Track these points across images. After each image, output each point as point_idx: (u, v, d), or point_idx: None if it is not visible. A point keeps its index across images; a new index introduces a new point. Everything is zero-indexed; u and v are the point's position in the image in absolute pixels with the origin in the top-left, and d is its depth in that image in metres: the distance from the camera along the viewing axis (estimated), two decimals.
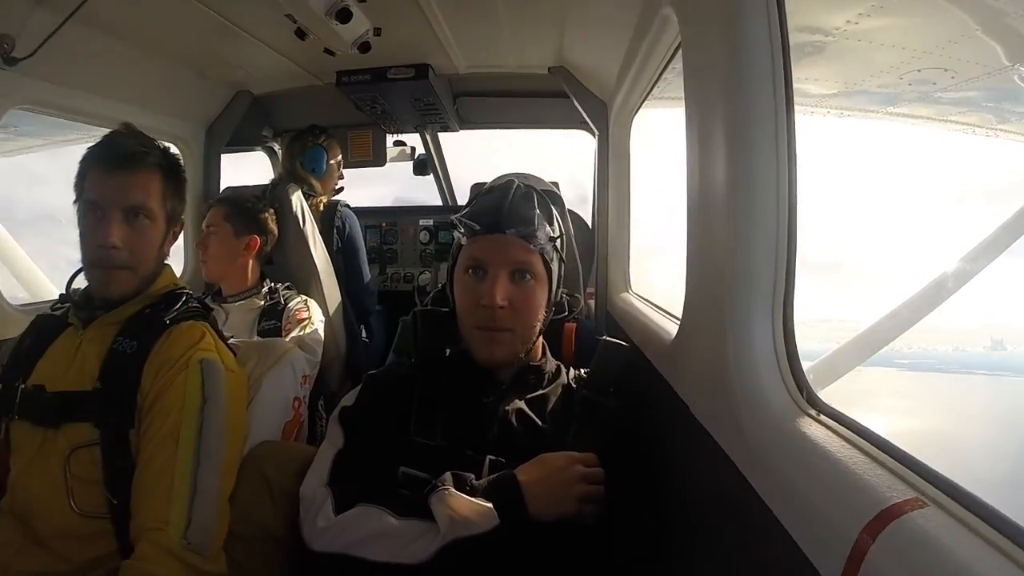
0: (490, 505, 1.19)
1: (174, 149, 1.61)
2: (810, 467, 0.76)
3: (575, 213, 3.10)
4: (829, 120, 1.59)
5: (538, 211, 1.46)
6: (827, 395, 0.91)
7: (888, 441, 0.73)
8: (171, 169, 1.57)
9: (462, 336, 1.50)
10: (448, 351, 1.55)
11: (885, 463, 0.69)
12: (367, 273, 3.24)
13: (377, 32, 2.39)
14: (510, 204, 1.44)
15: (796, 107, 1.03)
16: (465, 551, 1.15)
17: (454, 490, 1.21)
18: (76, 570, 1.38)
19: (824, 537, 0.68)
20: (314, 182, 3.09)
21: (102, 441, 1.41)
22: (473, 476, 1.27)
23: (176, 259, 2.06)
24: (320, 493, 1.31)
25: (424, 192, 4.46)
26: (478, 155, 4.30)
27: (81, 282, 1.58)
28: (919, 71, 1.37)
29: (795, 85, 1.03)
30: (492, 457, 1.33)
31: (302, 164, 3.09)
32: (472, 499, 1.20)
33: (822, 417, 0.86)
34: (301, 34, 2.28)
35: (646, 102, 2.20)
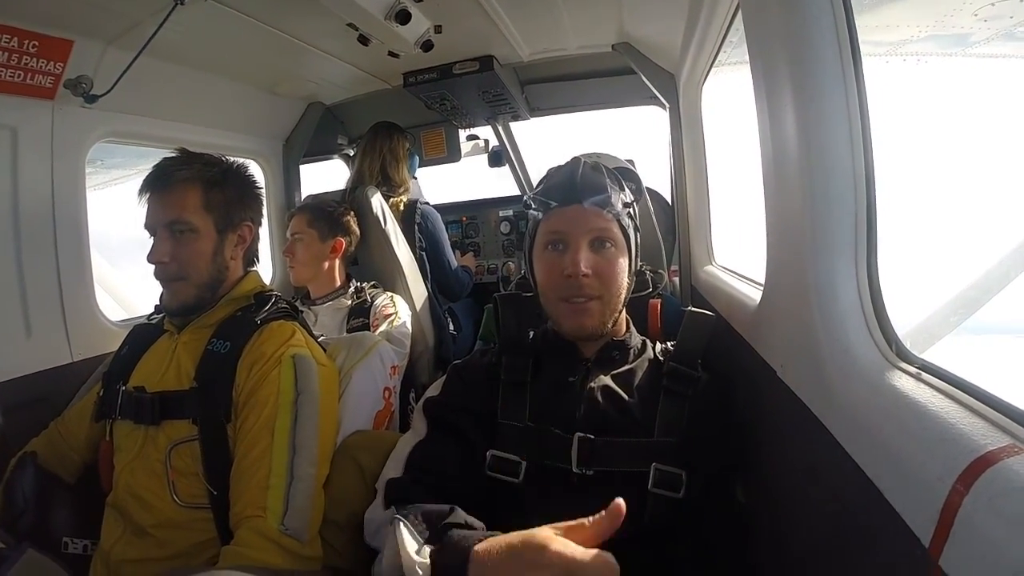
0: (428, 563, 1.02)
1: (254, 165, 1.69)
2: (901, 421, 0.73)
3: (655, 191, 3.06)
4: (909, 65, 1.50)
5: (608, 180, 1.49)
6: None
7: (982, 388, 0.70)
8: (212, 179, 1.64)
9: (547, 312, 1.52)
10: (531, 333, 1.57)
11: (979, 411, 0.67)
12: (453, 264, 3.29)
13: (438, 29, 2.42)
14: (581, 176, 1.47)
15: (874, 56, 0.99)
16: None
17: (410, 532, 1.08)
18: (178, 556, 1.49)
19: (916, 492, 0.66)
20: (405, 181, 3.18)
21: (200, 436, 1.51)
22: (477, 530, 1.10)
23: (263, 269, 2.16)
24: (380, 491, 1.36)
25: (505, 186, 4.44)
26: (553, 142, 4.28)
27: None
28: (992, 4, 1.27)
29: (872, 35, 0.99)
30: (581, 435, 1.35)
31: (409, 168, 3.21)
32: (421, 547, 1.05)
33: (912, 369, 0.83)
34: (364, 40, 2.34)
35: (714, 68, 2.15)
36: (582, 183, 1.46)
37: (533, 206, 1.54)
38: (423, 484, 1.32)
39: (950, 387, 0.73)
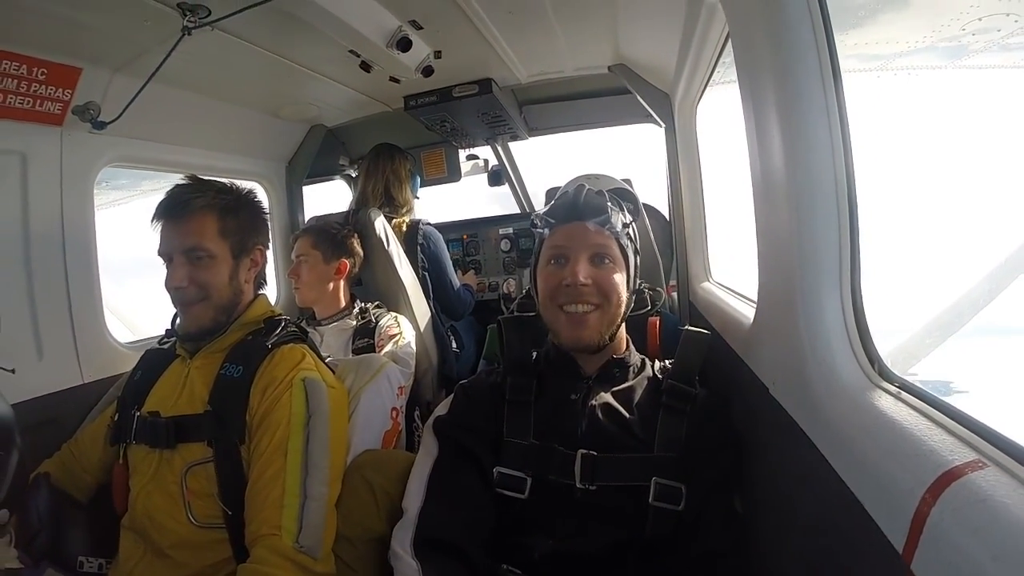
0: None
1: (258, 187, 1.72)
2: (879, 436, 0.78)
3: (653, 208, 3.09)
4: (900, 79, 1.54)
5: (609, 203, 1.55)
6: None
7: (954, 406, 0.74)
8: (227, 207, 1.68)
9: (547, 324, 1.57)
10: (535, 354, 1.62)
11: (949, 428, 0.71)
12: (456, 284, 3.32)
13: (438, 55, 2.47)
14: (584, 198, 1.54)
15: (865, 72, 1.04)
16: None
17: None
18: None
19: (891, 502, 0.70)
20: (408, 202, 3.25)
21: (215, 458, 1.54)
22: None
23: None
24: (412, 516, 1.40)
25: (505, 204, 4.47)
26: (551, 160, 4.31)
27: None
28: (980, 19, 1.32)
29: (862, 49, 1.03)
30: (584, 451, 1.39)
31: (411, 188, 3.28)
32: None
33: (893, 388, 0.87)
34: (366, 67, 2.40)
35: (709, 88, 2.19)
36: (584, 204, 1.54)
37: (539, 225, 1.60)
38: (450, 526, 1.36)
39: (925, 405, 0.78)
